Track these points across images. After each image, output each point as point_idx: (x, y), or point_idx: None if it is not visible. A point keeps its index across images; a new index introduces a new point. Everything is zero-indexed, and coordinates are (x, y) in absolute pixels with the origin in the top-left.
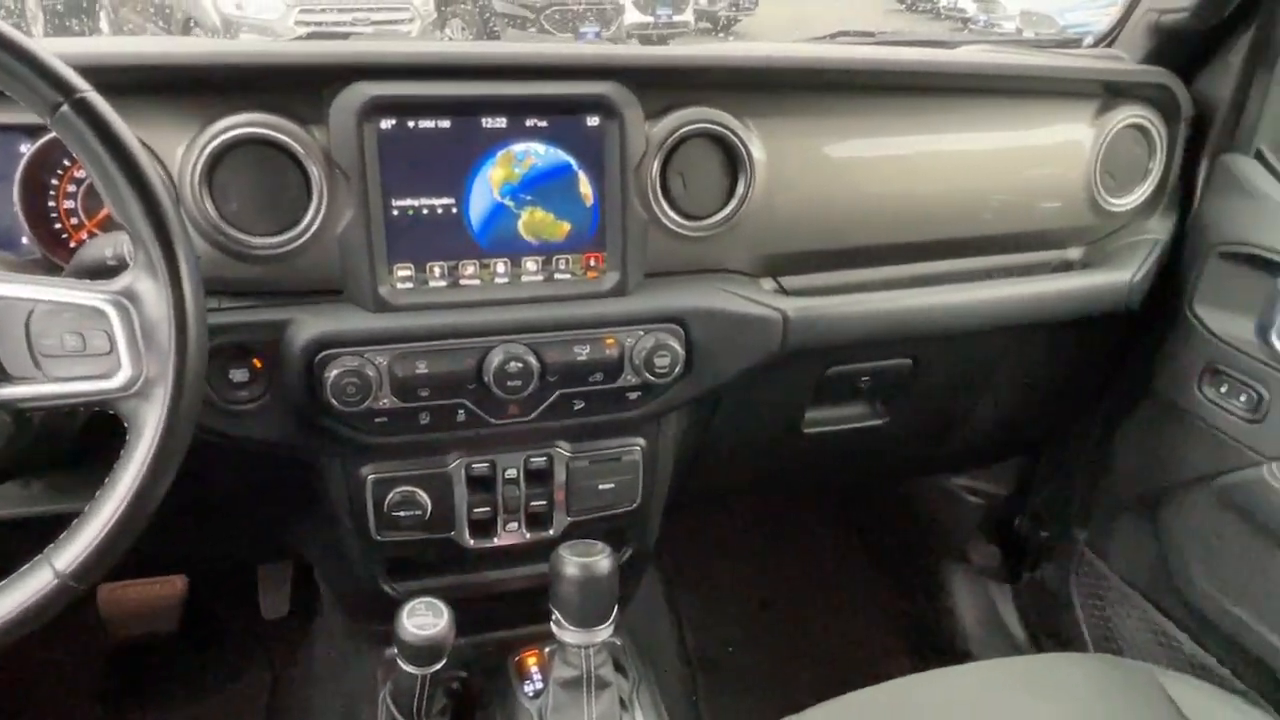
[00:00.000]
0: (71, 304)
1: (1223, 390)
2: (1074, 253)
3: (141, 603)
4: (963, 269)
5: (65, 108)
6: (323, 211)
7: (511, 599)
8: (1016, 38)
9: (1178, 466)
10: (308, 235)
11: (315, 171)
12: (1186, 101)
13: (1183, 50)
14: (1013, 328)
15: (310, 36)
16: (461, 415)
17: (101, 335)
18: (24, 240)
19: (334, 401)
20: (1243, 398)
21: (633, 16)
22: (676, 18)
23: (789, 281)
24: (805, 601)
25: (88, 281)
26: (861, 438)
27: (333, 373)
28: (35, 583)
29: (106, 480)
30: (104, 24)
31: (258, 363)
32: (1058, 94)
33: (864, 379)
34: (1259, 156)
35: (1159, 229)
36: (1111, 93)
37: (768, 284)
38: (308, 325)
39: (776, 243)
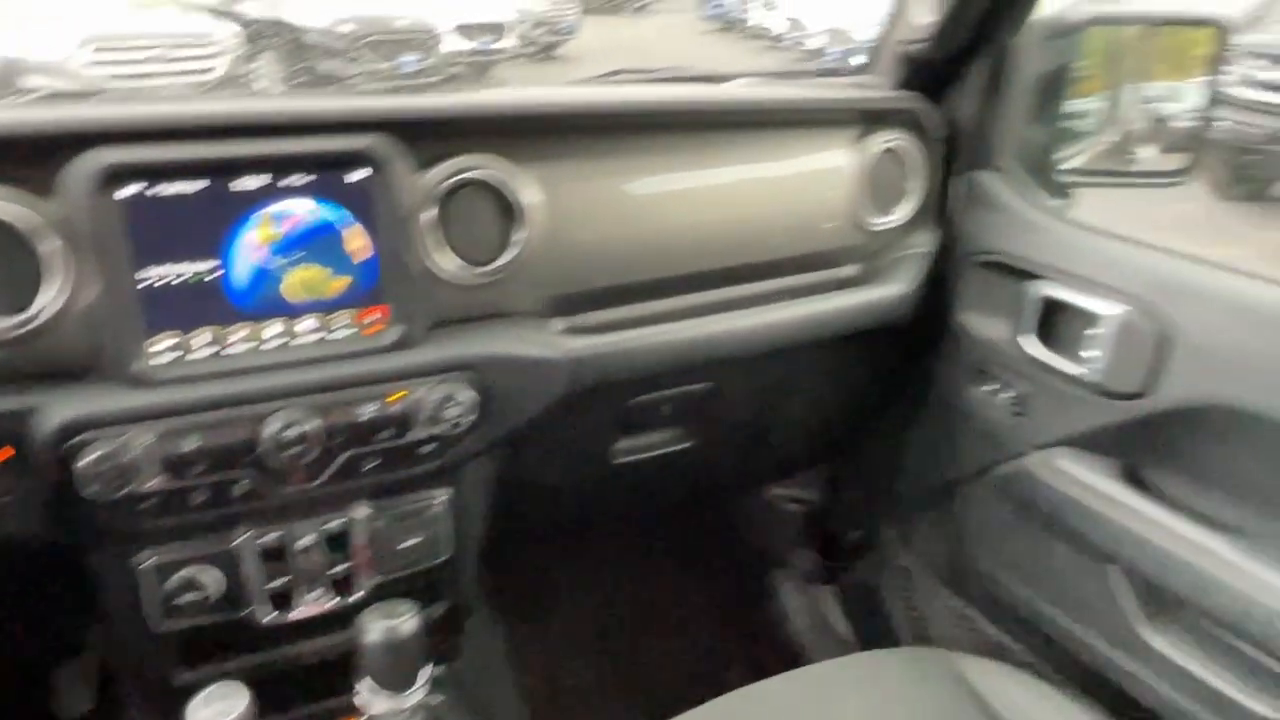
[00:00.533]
0: None
1: (989, 390)
2: (850, 270)
3: None
4: (751, 294)
5: None
6: (62, 288)
7: (322, 670)
8: (784, 70)
9: (960, 461)
10: (48, 315)
11: (45, 247)
12: (937, 124)
13: (929, 77)
14: (801, 345)
15: (87, 83)
16: (242, 488)
17: None
18: None
19: (92, 489)
20: (1005, 395)
21: (453, 44)
22: (498, 44)
23: (581, 319)
24: (645, 626)
25: None
26: (672, 461)
27: (89, 458)
28: None
29: None
30: None
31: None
32: (820, 123)
33: (666, 406)
34: (1002, 171)
35: (925, 243)
36: (868, 119)
37: (559, 324)
38: (56, 410)
39: (564, 283)
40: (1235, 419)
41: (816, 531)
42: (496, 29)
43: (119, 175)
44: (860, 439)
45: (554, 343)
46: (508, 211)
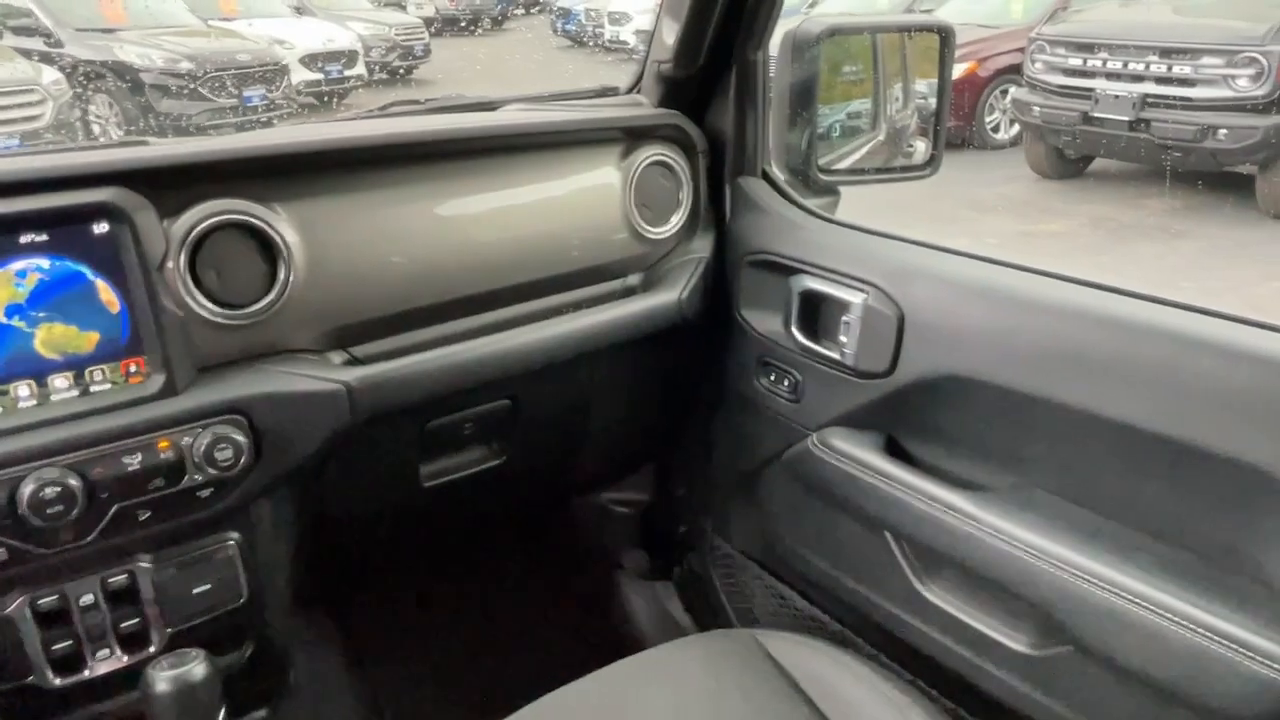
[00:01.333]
0: None
1: (772, 379)
2: (634, 279)
3: None
4: (541, 309)
5: None
6: None
7: None
8: (556, 93)
9: (756, 449)
10: None
11: None
12: (699, 136)
13: (686, 92)
14: (596, 353)
15: None
16: (3, 554)
17: None
18: None
19: None
20: (785, 383)
21: (301, 75)
22: (348, 72)
23: (363, 349)
24: (493, 642)
25: None
26: (487, 479)
27: None
28: None
29: None
30: None
31: None
32: (585, 143)
33: (468, 426)
34: (765, 176)
35: (702, 248)
36: (633, 136)
37: (337, 357)
38: None
39: (338, 316)
40: (964, 387)
41: (650, 529)
42: (345, 57)
43: None
44: (675, 437)
45: (330, 375)
46: (267, 252)
